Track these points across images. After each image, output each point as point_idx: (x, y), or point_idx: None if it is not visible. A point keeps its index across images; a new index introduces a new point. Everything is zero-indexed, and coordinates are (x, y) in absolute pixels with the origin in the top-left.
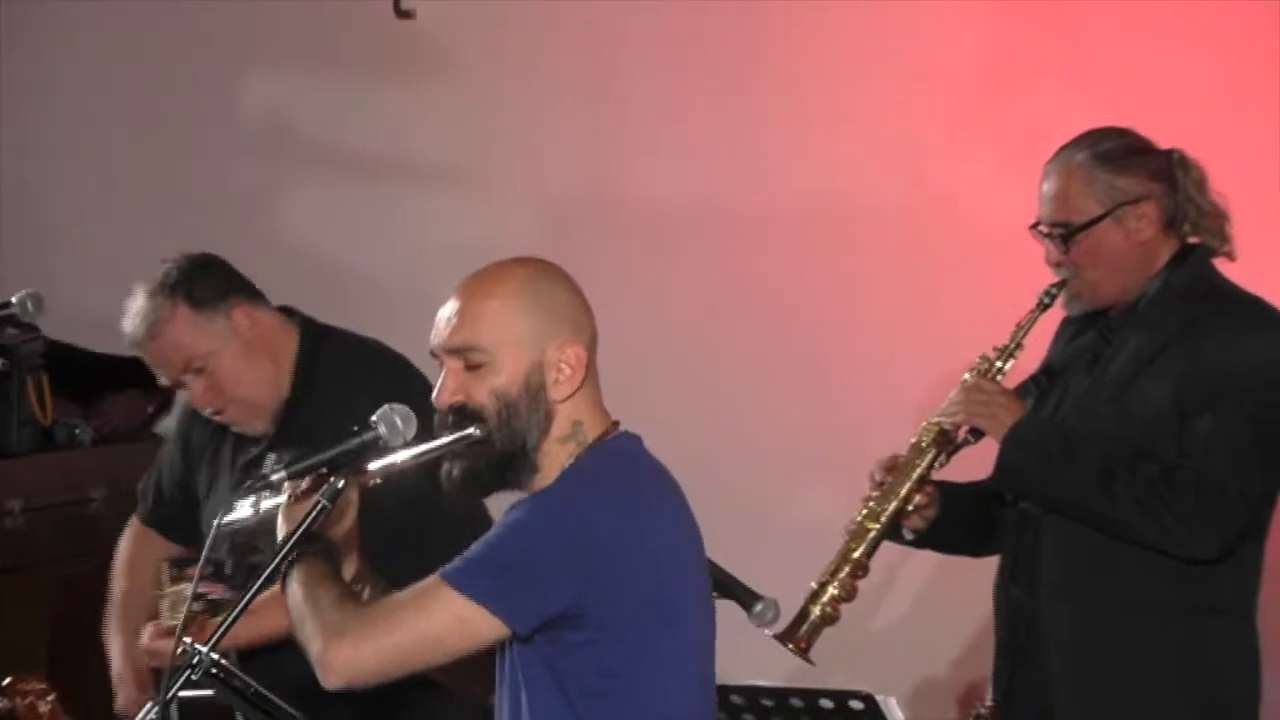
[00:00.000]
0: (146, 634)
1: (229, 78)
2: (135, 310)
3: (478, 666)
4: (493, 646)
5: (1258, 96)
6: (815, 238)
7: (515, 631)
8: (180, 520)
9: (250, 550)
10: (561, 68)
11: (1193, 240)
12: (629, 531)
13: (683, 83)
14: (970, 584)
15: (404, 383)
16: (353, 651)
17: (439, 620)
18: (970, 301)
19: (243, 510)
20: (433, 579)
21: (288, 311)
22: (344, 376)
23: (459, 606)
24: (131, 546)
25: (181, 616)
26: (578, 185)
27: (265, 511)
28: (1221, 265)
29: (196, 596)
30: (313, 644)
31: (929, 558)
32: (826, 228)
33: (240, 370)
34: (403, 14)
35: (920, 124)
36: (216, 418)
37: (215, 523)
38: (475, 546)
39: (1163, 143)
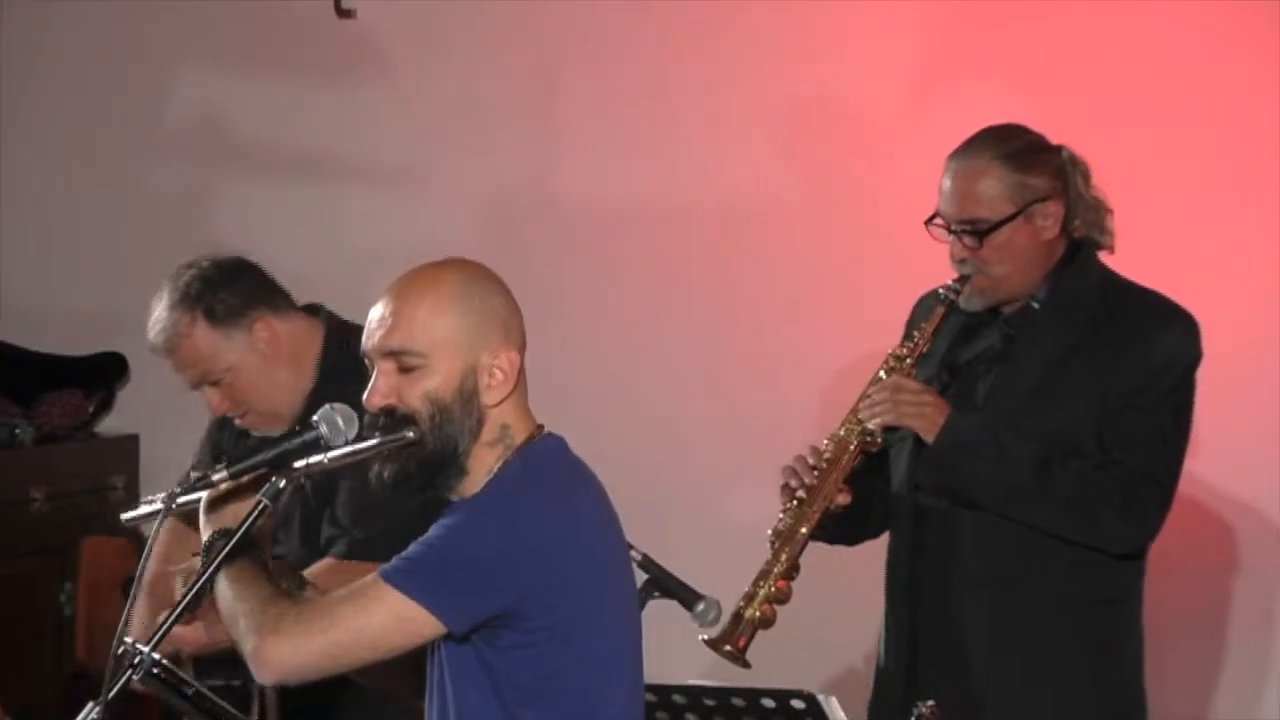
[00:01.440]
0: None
1: (168, 76)
2: (155, 319)
3: (405, 670)
4: (424, 648)
5: (1198, 90)
6: (753, 236)
7: (452, 631)
8: None
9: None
10: (501, 68)
11: (1076, 235)
12: (565, 533)
13: (620, 82)
14: (879, 577)
15: None
16: (289, 648)
17: (377, 618)
18: (908, 299)
19: (154, 505)
20: (371, 577)
21: (314, 309)
22: (359, 368)
23: (397, 604)
24: (168, 537)
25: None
26: (516, 185)
27: (180, 507)
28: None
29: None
30: (247, 640)
31: (845, 552)
32: (764, 226)
33: (259, 382)
34: (343, 13)
35: (856, 122)
36: (238, 423)
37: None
38: (414, 546)
39: (1105, 136)
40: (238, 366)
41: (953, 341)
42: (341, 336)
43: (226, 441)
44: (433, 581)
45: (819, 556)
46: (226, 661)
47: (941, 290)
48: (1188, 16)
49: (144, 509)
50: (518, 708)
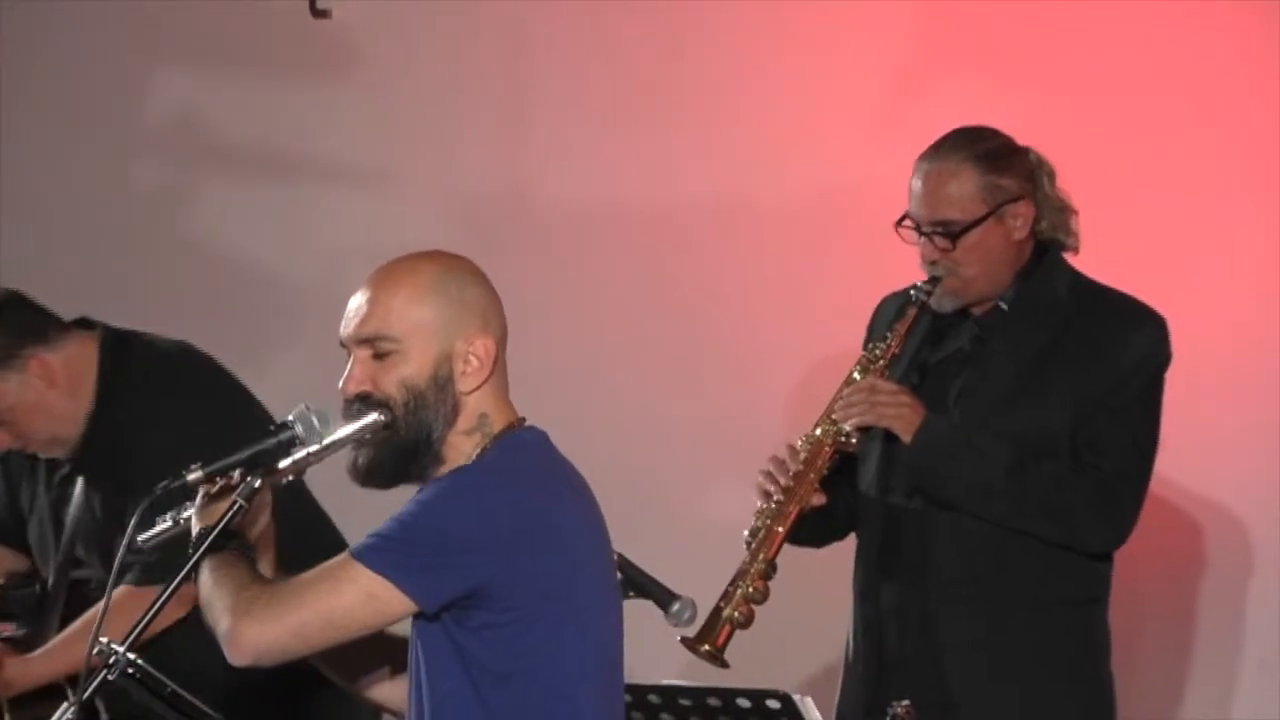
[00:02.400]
0: None
1: (143, 76)
2: None
3: (369, 662)
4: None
5: (1173, 90)
6: (728, 236)
7: (422, 608)
8: (15, 537)
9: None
10: (476, 69)
11: (1043, 237)
12: (538, 516)
13: (594, 83)
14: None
15: (210, 379)
16: (260, 627)
17: (348, 596)
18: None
19: (162, 524)
20: (342, 556)
21: (87, 324)
22: (144, 385)
23: (368, 582)
24: None
25: None
26: (491, 184)
27: (186, 521)
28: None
29: None
30: (221, 622)
31: (817, 553)
32: (739, 226)
33: (35, 417)
34: (318, 13)
35: (833, 124)
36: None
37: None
38: (386, 524)
39: (1083, 138)
40: (15, 406)
41: (922, 343)
42: (117, 347)
43: (14, 468)
44: (402, 558)
45: (797, 557)
46: None
47: (912, 291)
48: (1186, 17)
49: (157, 529)
50: (488, 690)
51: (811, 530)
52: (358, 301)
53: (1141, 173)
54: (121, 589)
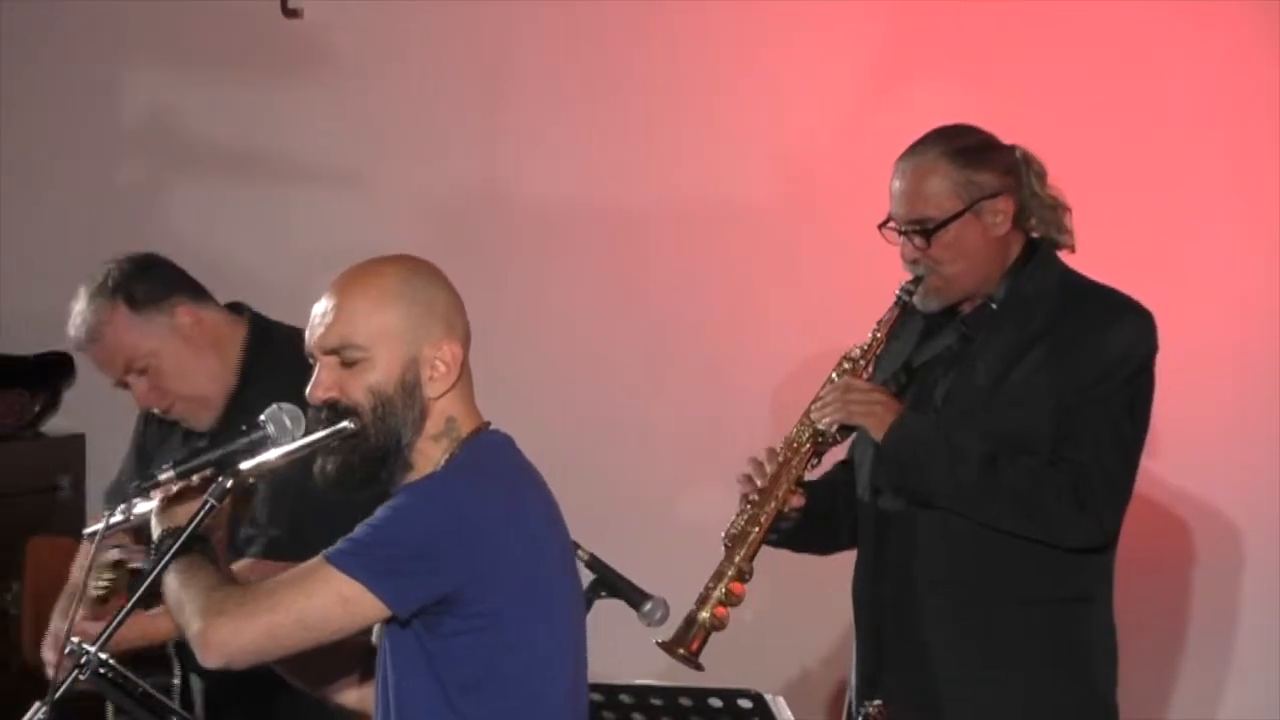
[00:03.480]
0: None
1: (115, 75)
2: (76, 313)
3: (334, 668)
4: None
5: (1143, 90)
6: (702, 236)
7: (395, 613)
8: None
9: None
10: (448, 68)
11: (1034, 234)
12: (509, 519)
13: (566, 82)
14: (840, 581)
15: None
16: (232, 629)
17: (321, 599)
18: (858, 300)
19: (114, 517)
20: (316, 560)
21: (237, 308)
22: (288, 367)
23: (341, 586)
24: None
25: (98, 584)
26: (464, 185)
27: (138, 517)
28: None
29: (116, 564)
30: (191, 624)
31: (798, 556)
32: (714, 226)
33: (183, 368)
34: (290, 13)
35: (806, 124)
36: (165, 415)
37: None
38: (359, 528)
39: (1056, 142)
40: (160, 351)
41: (917, 343)
42: (265, 334)
43: (150, 442)
44: (375, 562)
45: (777, 562)
46: (156, 659)
47: (897, 291)
48: (1178, 16)
49: (100, 524)
50: (458, 696)
51: (814, 537)
52: (322, 308)
53: (1130, 171)
54: (245, 560)
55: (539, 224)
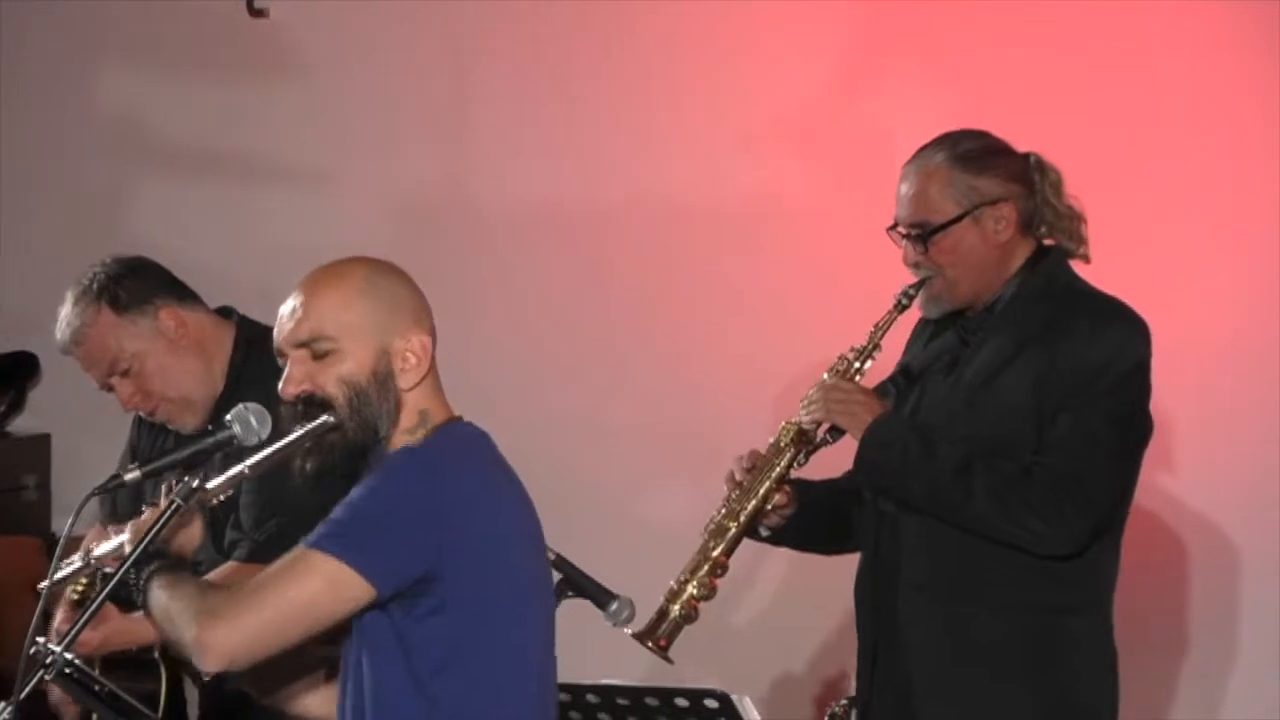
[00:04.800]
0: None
1: (81, 75)
2: (62, 317)
3: (287, 677)
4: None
5: (1141, 90)
6: (667, 237)
7: (379, 592)
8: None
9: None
10: (413, 69)
11: (1048, 242)
12: (482, 505)
13: (532, 83)
14: (827, 582)
15: None
16: (228, 629)
17: (309, 585)
18: (826, 299)
19: (75, 563)
20: (298, 549)
21: (226, 312)
22: (277, 371)
23: (326, 568)
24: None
25: (75, 588)
26: (431, 185)
27: (98, 560)
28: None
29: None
30: (186, 633)
31: (786, 555)
32: (678, 227)
33: (167, 370)
34: (256, 13)
35: (773, 124)
36: (151, 417)
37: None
38: (336, 510)
39: (1019, 144)
40: (144, 353)
41: (915, 348)
42: (253, 338)
43: (143, 444)
44: (357, 540)
45: (767, 564)
46: (133, 663)
47: (897, 294)
48: (1175, 15)
49: (65, 571)
50: (429, 677)
51: (810, 536)
52: (290, 306)
53: (1129, 171)
54: (230, 565)
55: (505, 223)
